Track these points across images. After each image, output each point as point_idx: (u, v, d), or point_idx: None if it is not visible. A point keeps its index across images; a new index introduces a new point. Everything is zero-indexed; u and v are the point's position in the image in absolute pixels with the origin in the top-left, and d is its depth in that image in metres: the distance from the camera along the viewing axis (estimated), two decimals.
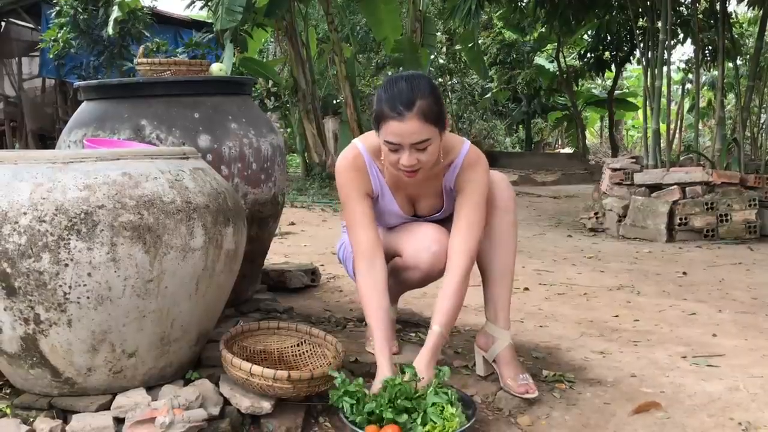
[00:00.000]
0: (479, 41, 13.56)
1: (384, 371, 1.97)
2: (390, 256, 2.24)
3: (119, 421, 1.80)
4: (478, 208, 2.12)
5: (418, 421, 1.78)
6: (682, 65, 14.02)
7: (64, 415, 1.87)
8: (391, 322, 2.21)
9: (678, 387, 2.29)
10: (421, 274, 2.20)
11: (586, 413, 2.11)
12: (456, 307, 2.08)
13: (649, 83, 6.83)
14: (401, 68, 10.65)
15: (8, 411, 1.89)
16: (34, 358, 1.85)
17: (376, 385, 1.94)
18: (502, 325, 2.22)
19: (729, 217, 5.80)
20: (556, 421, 2.06)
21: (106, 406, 1.86)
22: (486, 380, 2.26)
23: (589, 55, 13.71)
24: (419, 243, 2.17)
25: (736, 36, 10.61)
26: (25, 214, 1.73)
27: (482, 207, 2.13)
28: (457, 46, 14.69)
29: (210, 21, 9.32)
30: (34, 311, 1.77)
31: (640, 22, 8.99)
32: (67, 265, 1.73)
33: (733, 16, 10.42)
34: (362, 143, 2.17)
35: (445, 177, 2.17)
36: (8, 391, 2.01)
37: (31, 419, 1.84)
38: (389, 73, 13.13)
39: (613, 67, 14.03)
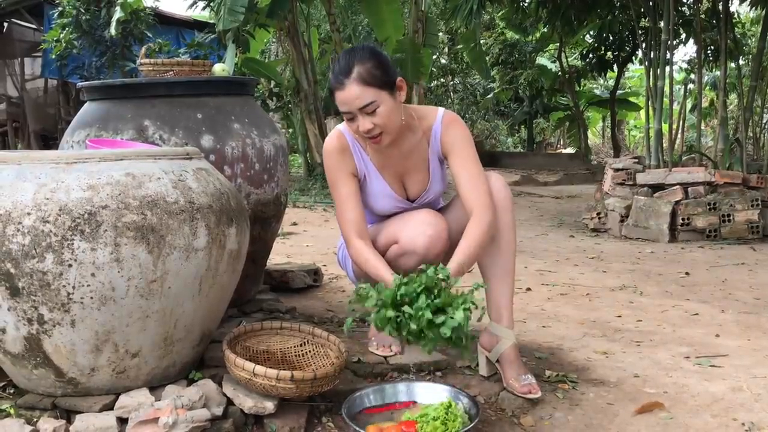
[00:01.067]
0: (481, 41, 13.56)
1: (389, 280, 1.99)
2: (387, 245, 2.25)
3: (123, 421, 1.80)
4: (472, 160, 2.20)
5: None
6: (685, 65, 14.03)
7: (68, 415, 1.88)
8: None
9: (681, 387, 2.29)
10: (418, 258, 2.19)
11: (589, 413, 2.11)
12: (477, 248, 2.09)
13: (651, 83, 6.83)
14: (399, 69, 10.65)
15: (12, 411, 1.89)
16: (38, 359, 1.85)
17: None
18: (505, 324, 2.22)
19: (731, 218, 5.80)
20: (559, 421, 2.06)
21: (110, 406, 1.86)
22: (489, 380, 2.26)
23: (591, 55, 13.71)
24: (415, 227, 2.20)
25: (739, 36, 10.61)
26: (28, 214, 1.73)
27: (476, 159, 2.21)
28: (459, 46, 14.68)
29: (212, 21, 9.32)
30: (38, 311, 1.77)
31: (643, 22, 8.99)
32: (70, 265, 1.73)
33: (736, 16, 10.42)
34: (344, 126, 2.26)
35: (430, 145, 2.25)
36: (12, 391, 2.02)
37: (35, 419, 1.84)
38: None
39: (615, 67, 14.02)
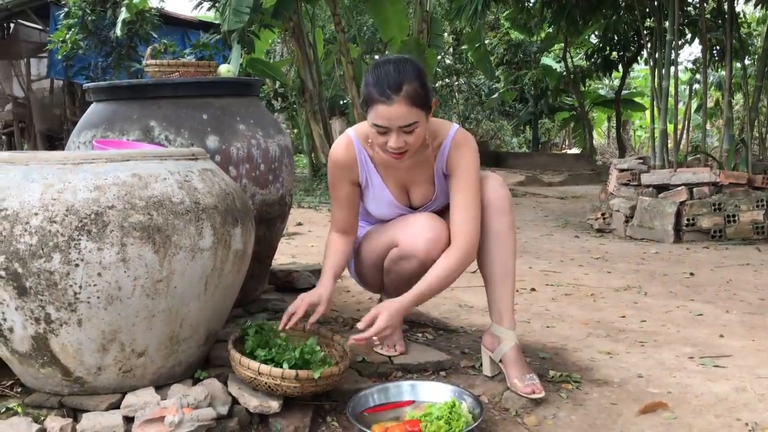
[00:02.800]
0: (486, 41, 13.56)
1: (324, 284, 2.22)
2: (387, 248, 2.27)
3: (129, 420, 1.82)
4: (471, 187, 2.17)
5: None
6: (690, 65, 14.00)
7: (75, 413, 1.89)
8: (339, 272, 2.33)
9: (685, 387, 2.29)
10: (417, 262, 2.20)
11: (593, 413, 2.11)
12: (439, 278, 2.12)
13: (656, 83, 6.82)
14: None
15: (19, 410, 1.91)
16: (45, 358, 1.87)
17: (313, 293, 2.20)
18: (507, 326, 2.23)
19: (736, 218, 5.79)
20: (562, 421, 2.07)
21: (116, 405, 1.87)
22: (493, 380, 2.27)
23: (596, 55, 13.69)
24: (414, 231, 2.20)
25: (744, 36, 10.58)
26: (36, 214, 1.75)
27: (476, 186, 2.18)
28: (464, 47, 14.69)
29: (217, 22, 9.34)
30: (45, 311, 1.78)
31: (648, 22, 8.97)
32: (77, 265, 1.74)
33: (741, 15, 10.39)
34: (354, 131, 2.26)
35: (436, 161, 2.23)
36: (19, 389, 2.03)
37: (42, 418, 1.86)
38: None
39: (620, 67, 14.01)
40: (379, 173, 2.26)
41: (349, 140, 2.24)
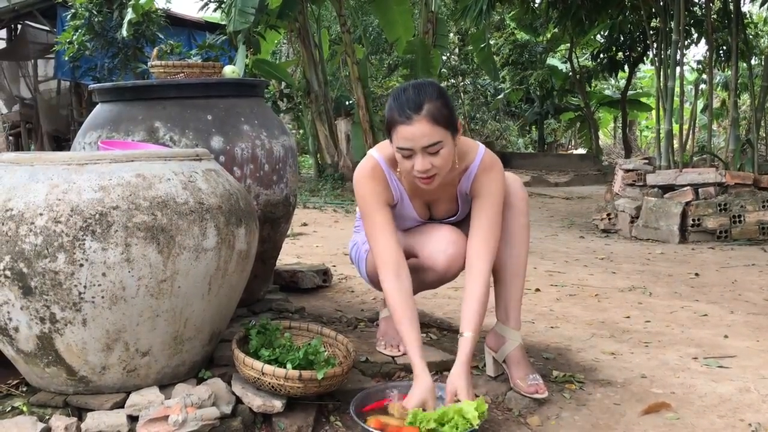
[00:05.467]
0: (491, 42, 13.55)
1: (423, 379, 1.95)
2: (406, 256, 2.25)
3: (133, 419, 1.83)
4: (495, 212, 2.13)
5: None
6: (695, 65, 13.95)
7: (79, 412, 1.90)
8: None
9: (688, 388, 2.29)
10: (436, 276, 2.22)
11: (596, 414, 2.12)
12: (483, 311, 2.07)
13: (662, 84, 6.81)
14: (412, 69, 10.67)
15: (25, 409, 1.92)
16: (50, 357, 1.88)
17: (416, 396, 1.92)
18: (512, 326, 2.23)
19: (742, 218, 5.78)
20: (565, 421, 2.07)
21: (120, 404, 1.89)
22: (496, 380, 2.27)
23: (602, 55, 13.66)
24: (435, 245, 2.18)
25: (751, 36, 10.55)
26: (41, 215, 1.76)
27: (499, 211, 2.14)
28: (469, 47, 14.68)
29: (223, 23, 9.37)
30: (50, 310, 1.80)
31: (654, 23, 8.96)
32: (82, 265, 1.75)
33: (748, 16, 10.37)
34: (378, 153, 2.16)
35: (461, 183, 2.18)
36: (25, 389, 2.04)
37: (47, 417, 1.87)
38: (400, 78, 13.15)
39: (626, 67, 13.97)
40: (406, 190, 2.21)
41: (375, 162, 2.15)
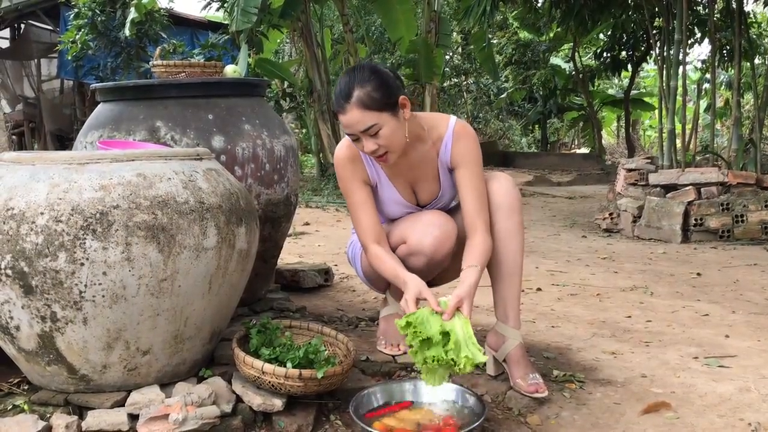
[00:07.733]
0: (493, 41, 13.54)
1: (412, 277, 2.05)
2: (396, 245, 2.28)
3: (133, 418, 1.84)
4: (478, 176, 2.22)
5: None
6: (699, 64, 13.93)
7: (80, 411, 1.91)
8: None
9: (689, 387, 2.29)
10: (425, 259, 2.22)
11: (596, 413, 2.12)
12: (486, 257, 2.14)
13: (664, 83, 6.80)
14: (415, 69, 10.67)
15: (26, 407, 1.93)
16: (51, 356, 1.89)
17: (411, 289, 1.99)
18: (512, 325, 2.24)
19: (744, 218, 5.77)
20: (565, 420, 2.07)
21: (121, 403, 1.89)
22: (496, 379, 2.27)
23: (605, 54, 13.66)
24: (422, 228, 2.22)
25: (754, 35, 10.53)
26: (42, 214, 1.77)
27: (482, 175, 2.23)
28: (472, 47, 14.68)
29: (226, 22, 9.38)
30: (51, 309, 1.80)
31: (657, 22, 8.94)
32: (82, 264, 1.76)
33: (751, 15, 10.34)
34: None
35: (439, 155, 2.25)
36: (26, 387, 2.06)
37: (48, 415, 1.88)
38: (403, 78, 13.15)
39: (629, 66, 13.96)
40: (385, 172, 2.28)
41: (349, 142, 2.24)
